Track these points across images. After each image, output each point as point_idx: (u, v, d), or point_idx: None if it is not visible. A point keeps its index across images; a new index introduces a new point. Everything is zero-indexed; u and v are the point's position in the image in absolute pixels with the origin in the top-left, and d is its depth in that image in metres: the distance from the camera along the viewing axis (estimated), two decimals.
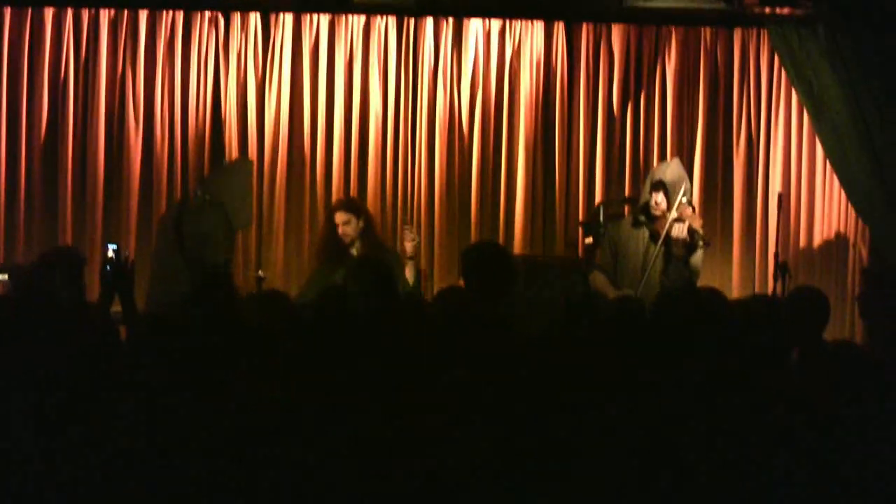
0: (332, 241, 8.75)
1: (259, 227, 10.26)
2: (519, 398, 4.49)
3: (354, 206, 8.96)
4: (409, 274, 8.64)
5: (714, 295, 5.53)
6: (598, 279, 8.70)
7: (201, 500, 4.21)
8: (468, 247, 7.71)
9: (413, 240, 8.78)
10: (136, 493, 4.17)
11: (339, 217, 8.75)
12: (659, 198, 8.58)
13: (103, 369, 4.62)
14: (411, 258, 8.75)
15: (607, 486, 4.26)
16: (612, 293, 8.47)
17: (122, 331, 5.95)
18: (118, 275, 6.11)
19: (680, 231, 8.44)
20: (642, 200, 8.72)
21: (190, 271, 8.52)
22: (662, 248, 8.51)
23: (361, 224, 8.75)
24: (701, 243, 8.58)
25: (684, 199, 8.60)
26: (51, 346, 4.62)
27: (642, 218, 8.69)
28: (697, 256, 8.61)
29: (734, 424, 4.44)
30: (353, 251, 8.65)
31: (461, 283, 7.03)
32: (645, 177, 9.42)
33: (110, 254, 6.27)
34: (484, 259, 6.68)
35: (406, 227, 9.05)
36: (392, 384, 4.81)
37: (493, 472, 4.21)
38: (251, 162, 9.74)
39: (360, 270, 6.92)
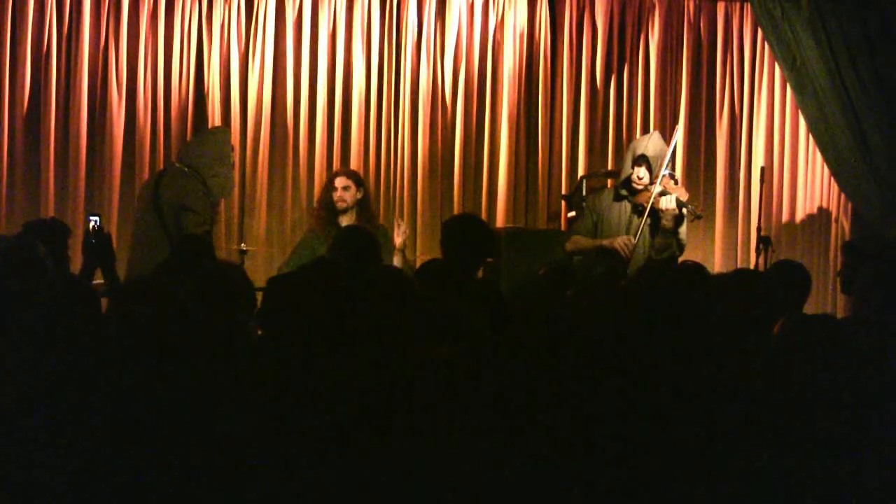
0: (327, 207, 8.75)
1: (242, 199, 10.25)
2: (503, 371, 4.51)
3: (356, 175, 9.01)
4: (397, 262, 8.60)
5: (696, 268, 5.55)
6: (581, 240, 8.73)
7: (191, 472, 4.21)
8: (447, 219, 7.73)
9: (404, 233, 8.77)
10: (122, 465, 4.17)
11: (340, 181, 8.76)
12: (641, 172, 8.58)
13: (86, 340, 4.60)
14: (401, 250, 8.72)
15: (588, 452, 4.29)
16: (606, 242, 8.50)
17: (104, 303, 5.95)
18: (100, 247, 6.09)
19: (668, 203, 8.46)
20: (623, 174, 8.72)
21: (168, 241, 8.51)
22: (649, 220, 8.52)
23: (360, 195, 8.76)
24: (692, 216, 8.59)
25: (666, 172, 8.60)
26: (33, 319, 4.60)
27: (624, 192, 8.69)
28: (684, 227, 8.63)
29: (714, 397, 4.47)
30: (345, 221, 8.64)
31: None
32: (627, 150, 9.43)
33: (92, 225, 6.25)
34: (461, 230, 6.70)
35: (399, 220, 9.07)
36: (374, 351, 4.84)
37: (480, 437, 4.24)
38: (226, 130, 9.68)
39: (346, 237, 6.95)
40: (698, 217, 8.77)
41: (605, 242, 8.53)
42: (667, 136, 9.01)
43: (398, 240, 8.67)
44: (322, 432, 4.27)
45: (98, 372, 4.41)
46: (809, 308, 6.58)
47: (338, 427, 4.27)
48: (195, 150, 8.97)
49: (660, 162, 8.56)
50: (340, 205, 8.67)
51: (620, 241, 8.44)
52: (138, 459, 4.17)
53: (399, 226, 8.80)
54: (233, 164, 9.21)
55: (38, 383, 4.34)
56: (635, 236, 8.48)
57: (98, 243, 6.11)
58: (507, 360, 4.60)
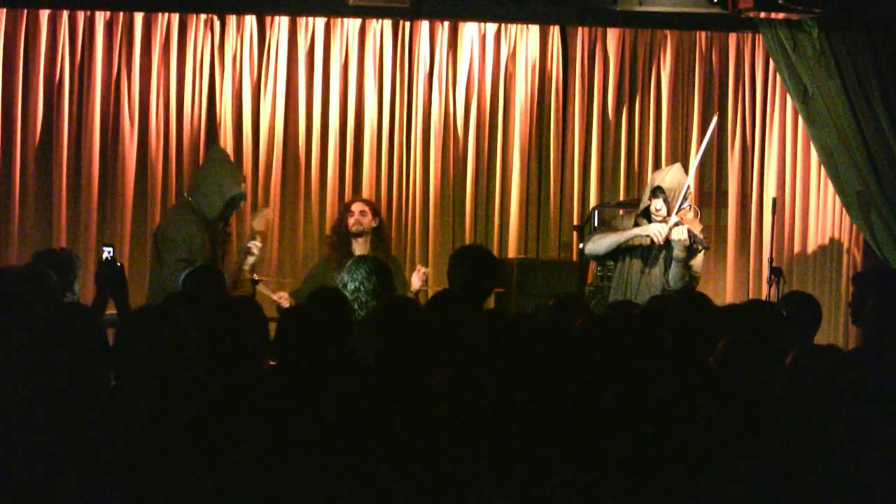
0: (341, 233, 8.75)
1: (253, 229, 10.25)
2: (503, 377, 4.53)
3: (373, 204, 9.08)
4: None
5: (700, 298, 5.57)
6: (608, 235, 8.74)
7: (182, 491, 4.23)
8: (455, 250, 7.78)
9: (424, 275, 8.65)
10: (119, 490, 4.18)
11: (357, 206, 8.79)
12: (658, 203, 8.61)
13: (91, 372, 4.60)
14: (415, 293, 8.59)
15: (597, 476, 4.29)
16: (639, 230, 8.53)
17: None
18: (113, 277, 6.09)
19: (680, 234, 8.49)
20: (642, 205, 8.75)
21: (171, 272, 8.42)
22: (664, 251, 8.55)
23: (375, 223, 8.78)
24: (699, 247, 8.62)
25: (686, 205, 8.64)
26: (41, 349, 4.60)
27: (644, 222, 8.71)
28: (698, 259, 8.66)
29: (723, 425, 4.48)
30: (358, 249, 8.63)
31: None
32: (640, 181, 9.43)
33: (105, 256, 6.24)
34: (466, 260, 6.75)
35: (421, 266, 8.95)
36: (384, 379, 4.85)
37: (489, 459, 4.26)
38: (218, 147, 9.60)
39: (358, 266, 6.97)
40: (705, 248, 8.79)
41: (639, 230, 8.56)
42: (687, 167, 9.03)
43: (416, 283, 8.58)
44: (322, 434, 4.28)
45: (97, 379, 4.43)
46: (820, 339, 6.57)
47: (339, 433, 4.28)
48: (194, 176, 8.96)
49: (676, 194, 8.58)
50: (356, 228, 8.67)
51: (654, 228, 8.48)
52: (138, 463, 4.19)
53: (421, 271, 8.71)
54: (228, 175, 8.88)
55: (36, 386, 4.37)
56: (653, 266, 8.52)
57: (111, 274, 6.10)
58: (508, 367, 4.61)
